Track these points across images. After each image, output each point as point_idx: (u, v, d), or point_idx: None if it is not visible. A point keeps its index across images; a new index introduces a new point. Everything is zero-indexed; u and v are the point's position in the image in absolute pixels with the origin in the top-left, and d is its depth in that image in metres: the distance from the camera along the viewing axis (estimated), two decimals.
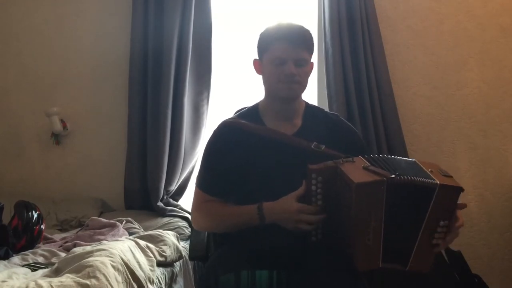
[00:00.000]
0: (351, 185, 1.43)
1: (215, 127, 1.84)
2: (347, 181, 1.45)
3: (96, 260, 1.76)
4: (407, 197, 1.49)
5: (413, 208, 1.50)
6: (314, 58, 3.10)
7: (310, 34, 1.75)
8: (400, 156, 1.68)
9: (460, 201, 1.52)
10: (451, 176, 1.53)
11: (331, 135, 1.77)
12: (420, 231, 1.48)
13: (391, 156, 1.63)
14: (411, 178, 1.47)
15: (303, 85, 1.74)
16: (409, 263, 1.50)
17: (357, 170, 1.49)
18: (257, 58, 1.80)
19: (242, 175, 1.73)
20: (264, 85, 1.80)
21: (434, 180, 1.47)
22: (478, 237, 3.06)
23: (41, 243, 2.37)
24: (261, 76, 1.80)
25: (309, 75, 1.76)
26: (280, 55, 1.69)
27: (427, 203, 1.47)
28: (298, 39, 1.71)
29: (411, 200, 1.49)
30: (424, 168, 1.53)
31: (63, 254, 2.15)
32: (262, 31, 1.77)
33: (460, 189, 1.48)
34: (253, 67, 1.82)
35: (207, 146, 1.83)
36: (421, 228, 1.48)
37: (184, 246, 2.48)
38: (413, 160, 1.61)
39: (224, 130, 1.80)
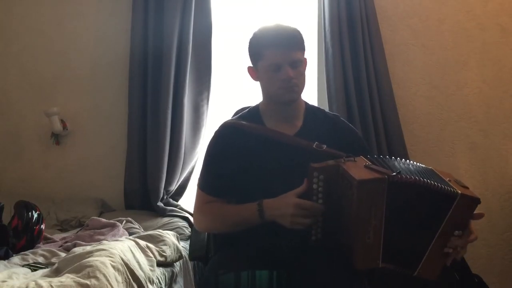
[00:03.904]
0: (353, 182, 1.43)
1: (216, 128, 1.83)
2: (349, 178, 1.45)
3: (96, 260, 1.76)
4: (417, 199, 1.48)
5: (425, 212, 1.49)
6: (314, 58, 3.15)
7: (300, 33, 1.74)
8: (400, 157, 1.68)
9: None
10: (468, 188, 1.53)
11: (331, 136, 1.77)
12: (434, 238, 1.47)
13: (400, 159, 1.62)
14: (414, 178, 1.46)
15: (301, 86, 1.74)
16: (418, 269, 1.49)
17: (358, 168, 1.49)
18: (251, 65, 1.79)
19: (243, 176, 1.72)
20: (263, 90, 1.80)
21: (455, 189, 1.47)
22: (478, 237, 3.03)
23: (41, 243, 2.37)
24: (258, 82, 1.80)
25: (305, 74, 1.76)
26: (275, 61, 1.67)
27: (445, 210, 1.46)
28: (290, 41, 1.69)
29: (422, 203, 1.48)
30: (442, 176, 1.53)
31: (63, 254, 2.14)
32: (251, 37, 1.77)
33: (478, 201, 1.48)
34: (248, 74, 1.81)
35: (209, 148, 1.82)
36: (435, 235, 1.47)
37: (184, 246, 2.48)
38: (430, 167, 1.60)
39: (225, 131, 1.80)
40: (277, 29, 1.72)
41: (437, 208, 1.47)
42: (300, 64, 1.71)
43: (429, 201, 1.48)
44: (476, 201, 1.48)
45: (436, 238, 1.47)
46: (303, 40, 1.74)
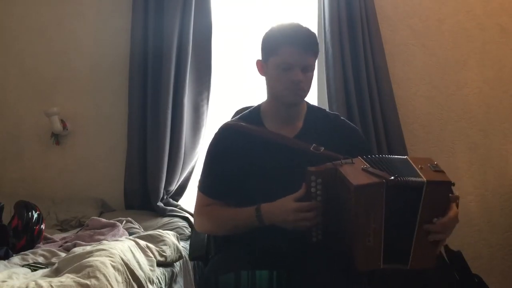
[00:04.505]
0: (350, 187, 1.43)
1: (216, 129, 1.83)
2: (346, 183, 1.45)
3: (96, 260, 1.76)
4: (403, 197, 1.49)
5: (408, 208, 1.50)
6: None
7: (316, 38, 1.73)
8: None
9: (460, 201, 1.52)
10: (442, 171, 1.52)
11: (332, 136, 1.77)
12: (415, 229, 1.48)
13: (387, 155, 1.63)
14: (408, 179, 1.47)
15: (307, 91, 1.74)
16: (410, 262, 1.50)
17: (356, 172, 1.49)
18: (260, 59, 1.76)
19: (243, 177, 1.72)
20: (268, 87, 1.78)
21: (421, 178, 1.47)
22: (478, 237, 3.06)
23: (41, 243, 2.37)
24: (264, 77, 1.78)
25: (312, 80, 1.75)
26: (288, 60, 1.65)
27: (418, 201, 1.47)
28: (307, 44, 1.67)
29: (406, 200, 1.49)
30: (413, 166, 1.53)
31: (63, 254, 2.14)
32: (267, 31, 1.73)
33: (449, 183, 1.48)
34: (256, 67, 1.78)
35: (209, 149, 1.82)
36: (415, 226, 1.48)
37: (184, 246, 2.48)
38: (405, 157, 1.61)
39: (225, 133, 1.79)
40: (297, 29, 1.70)
41: (412, 201, 1.47)
42: (310, 70, 1.70)
43: (407, 195, 1.48)
44: (446, 184, 1.48)
45: (417, 229, 1.48)
46: (318, 47, 1.73)
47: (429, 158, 1.59)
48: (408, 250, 1.49)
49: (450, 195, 1.50)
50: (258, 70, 1.78)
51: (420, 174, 1.48)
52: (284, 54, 1.66)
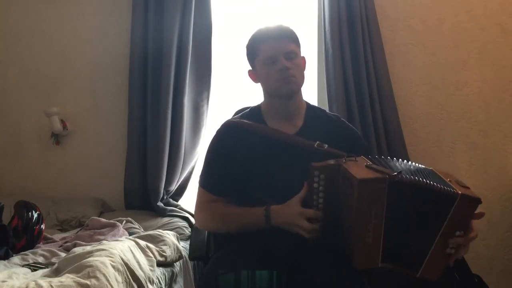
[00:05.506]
0: (353, 181, 1.43)
1: (218, 127, 1.84)
2: (349, 178, 1.46)
3: (96, 260, 1.76)
4: (417, 200, 1.48)
5: (425, 213, 1.49)
6: (314, 58, 3.14)
7: (291, 29, 1.79)
8: (400, 157, 1.68)
9: None
10: (469, 188, 1.52)
11: (332, 136, 1.78)
12: (435, 239, 1.47)
13: (400, 159, 1.62)
14: (415, 179, 1.46)
15: (299, 78, 1.76)
16: (421, 269, 1.49)
17: (359, 168, 1.49)
18: (250, 68, 1.84)
19: (245, 174, 1.73)
20: (263, 89, 1.82)
21: (455, 189, 1.47)
22: (478, 237, 3.02)
23: (41, 243, 2.37)
24: (259, 84, 1.82)
25: (303, 69, 1.78)
26: (270, 53, 1.72)
27: (445, 211, 1.46)
28: (282, 34, 1.75)
29: (423, 204, 1.48)
30: (442, 177, 1.53)
31: (63, 254, 2.14)
32: (246, 43, 1.82)
33: (479, 201, 1.48)
34: (249, 78, 1.85)
35: (210, 146, 1.83)
36: (437, 236, 1.47)
37: (184, 246, 2.48)
38: (430, 168, 1.60)
39: (227, 129, 1.80)
40: (269, 27, 1.79)
41: (437, 209, 1.47)
42: (295, 56, 1.74)
43: (430, 201, 1.48)
44: (476, 201, 1.48)
45: (438, 239, 1.47)
46: (295, 35, 1.79)
47: (451, 174, 1.58)
48: (422, 257, 1.48)
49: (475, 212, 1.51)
50: (252, 79, 1.84)
51: (452, 185, 1.48)
52: (263, 51, 1.74)
